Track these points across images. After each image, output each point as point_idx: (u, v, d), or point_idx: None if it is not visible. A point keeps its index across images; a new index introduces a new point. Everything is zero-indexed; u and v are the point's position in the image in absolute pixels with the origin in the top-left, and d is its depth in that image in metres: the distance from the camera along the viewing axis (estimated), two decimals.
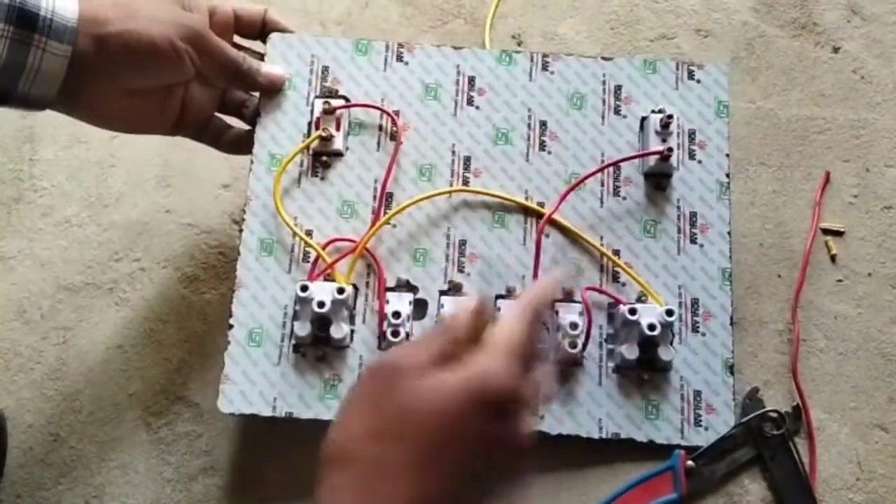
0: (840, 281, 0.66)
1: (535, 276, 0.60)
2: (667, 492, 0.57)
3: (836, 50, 0.73)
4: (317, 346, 0.59)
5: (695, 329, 0.61)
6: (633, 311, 0.58)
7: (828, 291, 0.65)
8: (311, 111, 0.64)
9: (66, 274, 0.66)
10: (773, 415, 0.60)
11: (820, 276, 0.66)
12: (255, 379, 0.58)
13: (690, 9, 0.74)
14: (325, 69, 0.65)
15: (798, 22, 0.74)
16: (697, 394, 0.59)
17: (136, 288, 0.66)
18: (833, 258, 0.66)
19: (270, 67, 0.63)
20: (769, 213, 0.67)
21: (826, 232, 0.67)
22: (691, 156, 0.64)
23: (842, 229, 0.67)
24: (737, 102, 0.70)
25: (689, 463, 0.58)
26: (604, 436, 0.58)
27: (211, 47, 0.57)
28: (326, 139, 0.62)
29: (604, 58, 0.66)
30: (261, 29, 0.64)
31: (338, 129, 0.63)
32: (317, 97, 0.64)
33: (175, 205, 0.68)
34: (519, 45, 0.73)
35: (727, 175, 0.64)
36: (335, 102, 0.63)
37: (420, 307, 0.60)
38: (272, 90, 0.64)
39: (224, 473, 0.61)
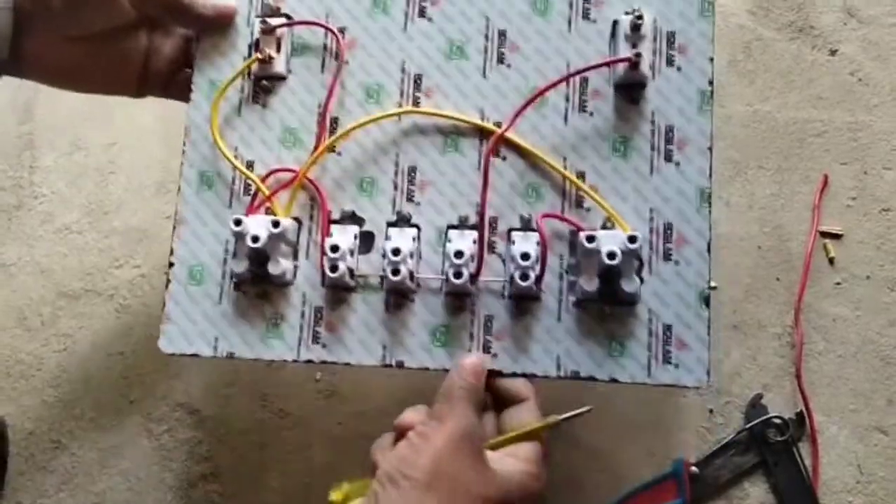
0: (838, 284, 0.66)
1: (483, 204, 0.54)
2: (670, 498, 0.57)
3: (833, 52, 0.73)
4: (258, 284, 0.55)
5: (667, 257, 0.54)
6: (591, 239, 0.51)
7: (826, 294, 0.66)
8: (252, 32, 0.59)
9: (66, 281, 0.66)
10: (777, 421, 0.61)
11: (818, 278, 0.66)
12: (196, 318, 0.55)
13: None
14: None
15: (795, 25, 0.74)
16: (668, 328, 0.53)
17: (137, 294, 0.66)
18: (831, 261, 0.66)
19: None
20: (767, 217, 0.68)
21: (824, 235, 0.67)
22: (669, 62, 0.56)
23: (840, 232, 0.67)
24: (734, 105, 0.71)
25: (693, 469, 0.58)
26: (562, 374, 0.53)
27: None
28: (265, 62, 0.57)
29: None
30: None
31: (279, 50, 0.58)
32: (257, 17, 0.59)
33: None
34: None
35: (710, 82, 0.56)
36: (275, 21, 0.58)
37: (366, 240, 0.56)
38: (221, 24, 0.58)
39: (224, 480, 0.61)
